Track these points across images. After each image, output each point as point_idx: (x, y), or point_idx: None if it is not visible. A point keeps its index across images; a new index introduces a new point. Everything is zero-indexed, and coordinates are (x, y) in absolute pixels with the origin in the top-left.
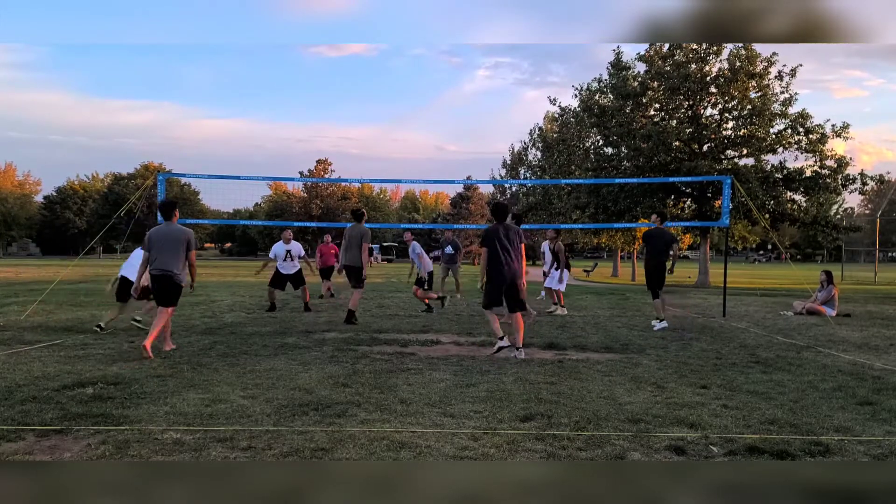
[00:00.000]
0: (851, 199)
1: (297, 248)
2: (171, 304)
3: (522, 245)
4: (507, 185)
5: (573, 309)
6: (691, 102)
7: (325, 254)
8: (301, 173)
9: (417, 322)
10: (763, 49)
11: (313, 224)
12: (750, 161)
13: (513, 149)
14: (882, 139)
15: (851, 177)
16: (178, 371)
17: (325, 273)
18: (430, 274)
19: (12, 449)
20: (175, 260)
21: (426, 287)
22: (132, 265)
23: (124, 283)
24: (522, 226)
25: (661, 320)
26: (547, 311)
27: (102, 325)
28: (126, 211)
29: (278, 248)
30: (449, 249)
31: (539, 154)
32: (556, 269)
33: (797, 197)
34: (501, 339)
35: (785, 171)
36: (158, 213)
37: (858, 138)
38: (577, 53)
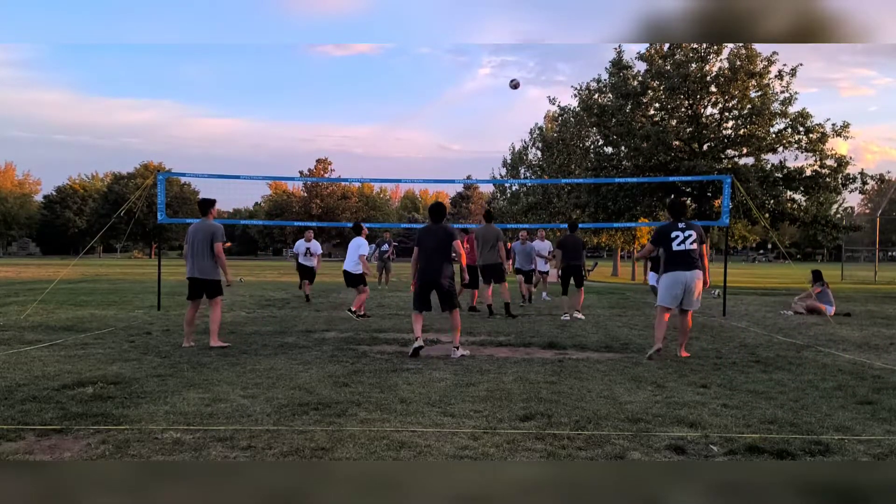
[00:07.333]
0: (851, 199)
1: (315, 246)
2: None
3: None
4: (507, 185)
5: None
6: (691, 101)
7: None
8: (301, 172)
9: None
10: (763, 48)
11: (314, 224)
12: (750, 160)
13: (513, 148)
14: (886, 137)
15: (851, 176)
16: (178, 370)
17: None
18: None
19: (12, 448)
20: None
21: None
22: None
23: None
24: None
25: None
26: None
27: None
28: (126, 210)
29: (300, 246)
30: (385, 248)
31: (539, 153)
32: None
33: (797, 196)
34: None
35: (785, 171)
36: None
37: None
38: (584, 52)
